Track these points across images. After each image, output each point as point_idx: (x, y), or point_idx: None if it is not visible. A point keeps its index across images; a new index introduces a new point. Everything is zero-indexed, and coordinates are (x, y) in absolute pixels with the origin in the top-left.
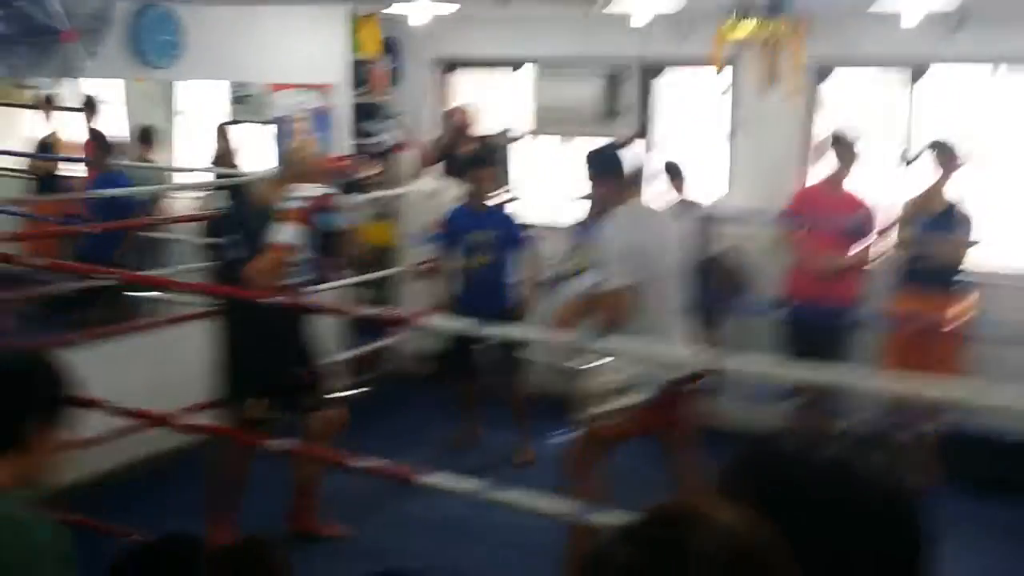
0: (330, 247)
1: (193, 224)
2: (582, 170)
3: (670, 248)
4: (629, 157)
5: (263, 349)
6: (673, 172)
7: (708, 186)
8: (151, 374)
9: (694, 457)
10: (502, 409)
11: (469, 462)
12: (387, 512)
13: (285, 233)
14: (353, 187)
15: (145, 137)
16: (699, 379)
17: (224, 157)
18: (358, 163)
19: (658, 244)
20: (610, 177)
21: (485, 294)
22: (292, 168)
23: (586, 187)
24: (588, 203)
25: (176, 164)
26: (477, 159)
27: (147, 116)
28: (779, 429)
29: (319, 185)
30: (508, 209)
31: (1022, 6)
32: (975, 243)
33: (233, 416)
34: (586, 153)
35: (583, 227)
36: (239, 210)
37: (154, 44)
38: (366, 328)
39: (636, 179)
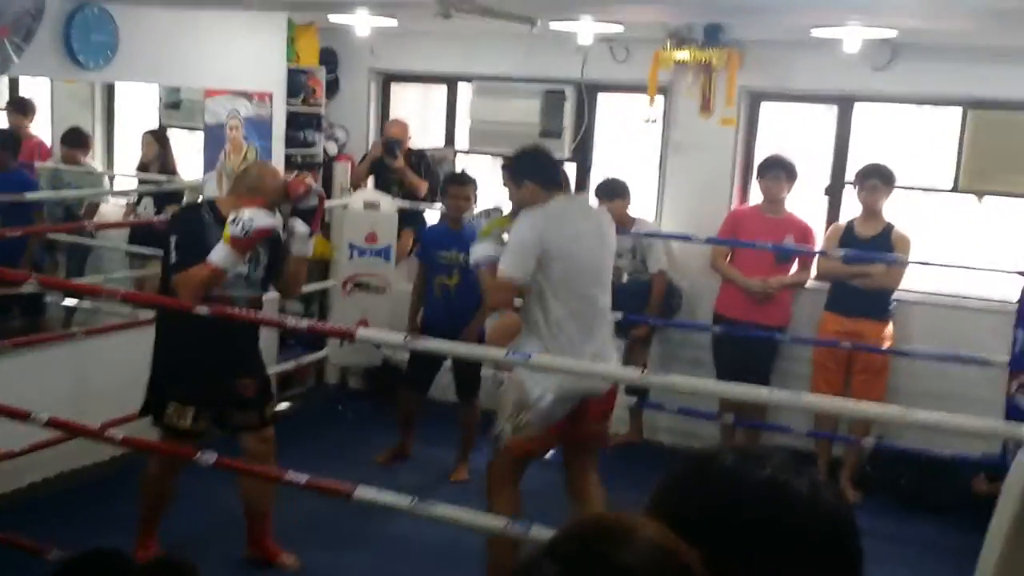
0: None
1: (124, 232)
2: (505, 173)
3: (588, 253)
4: (546, 158)
5: (192, 355)
6: (615, 190)
7: (641, 208)
8: (76, 384)
9: (596, 474)
10: (441, 426)
11: (406, 479)
12: (323, 531)
13: (220, 255)
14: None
15: (75, 140)
16: (614, 395)
17: (153, 163)
18: (310, 187)
19: (569, 246)
20: (531, 179)
21: (453, 314)
22: (244, 185)
23: (507, 190)
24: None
25: (106, 169)
26: (455, 177)
27: (75, 119)
28: (714, 447)
29: (269, 209)
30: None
31: (947, 51)
32: (908, 264)
33: (157, 424)
34: (505, 158)
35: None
36: (194, 217)
37: (88, 44)
38: (295, 342)
39: (556, 181)
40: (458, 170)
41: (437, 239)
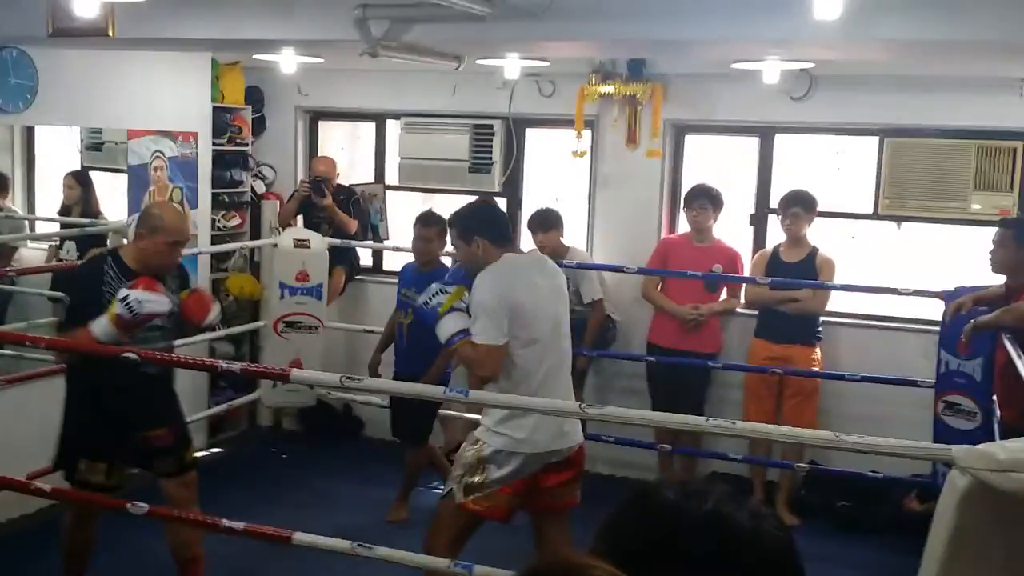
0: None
1: (45, 277)
2: (452, 231)
3: (547, 305)
4: (496, 215)
5: (100, 410)
6: (549, 220)
7: (572, 241)
8: (3, 435)
9: (566, 532)
10: (380, 465)
11: (344, 520)
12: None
13: (101, 329)
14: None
15: None
16: (583, 455)
17: (76, 206)
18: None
19: (528, 301)
20: (481, 236)
21: (403, 353)
22: (146, 226)
23: (456, 247)
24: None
25: (28, 212)
26: (419, 217)
27: None
28: (654, 481)
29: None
30: (454, 269)
31: (863, 81)
32: (834, 288)
33: (69, 480)
34: (451, 215)
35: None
36: (92, 274)
37: (6, 87)
38: (226, 384)
39: (506, 237)
40: (425, 209)
41: (405, 277)
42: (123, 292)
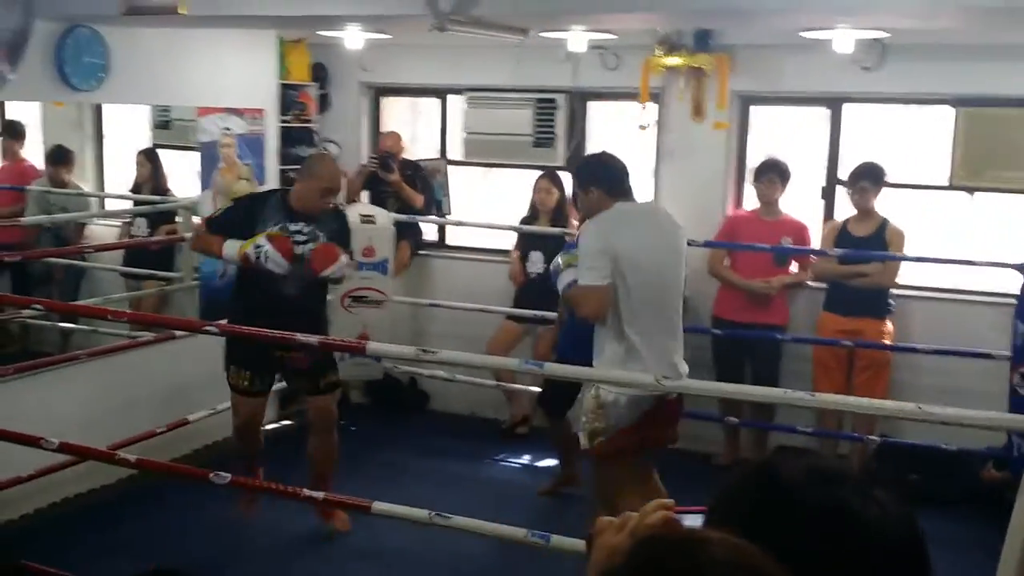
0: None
1: (117, 253)
2: (573, 180)
3: (656, 256)
4: (612, 165)
5: (249, 323)
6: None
7: None
8: (81, 408)
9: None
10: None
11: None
12: (326, 546)
13: (229, 251)
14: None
15: (59, 157)
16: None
17: (146, 183)
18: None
19: (635, 250)
20: (596, 186)
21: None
22: (305, 170)
23: (575, 197)
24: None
25: (98, 189)
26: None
27: (66, 141)
28: (777, 457)
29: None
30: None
31: (937, 50)
32: (905, 260)
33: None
34: (574, 165)
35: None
36: (262, 196)
37: (79, 66)
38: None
39: (622, 188)
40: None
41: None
42: (263, 241)
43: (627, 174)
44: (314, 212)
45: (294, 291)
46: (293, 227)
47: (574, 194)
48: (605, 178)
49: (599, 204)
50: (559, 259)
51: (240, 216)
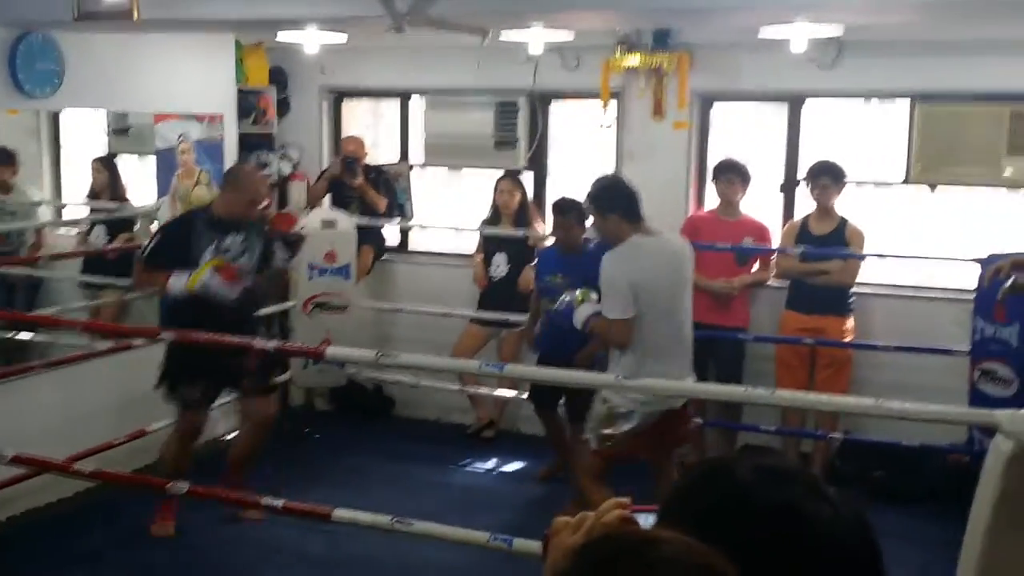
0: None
1: (75, 262)
2: (590, 204)
3: (666, 283)
4: (629, 192)
5: (196, 345)
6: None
7: None
8: (37, 419)
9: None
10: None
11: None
12: (287, 554)
13: (176, 287)
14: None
15: (1, 159)
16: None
17: (104, 190)
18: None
19: (649, 280)
20: (615, 212)
21: (556, 339)
22: (228, 183)
23: (592, 220)
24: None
25: (55, 198)
26: (562, 206)
27: (23, 149)
28: (728, 457)
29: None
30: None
31: (893, 46)
32: (864, 258)
33: (170, 398)
34: (591, 190)
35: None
36: (187, 219)
37: (32, 73)
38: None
39: (638, 214)
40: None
41: (547, 263)
42: (207, 276)
43: (638, 201)
44: (242, 221)
45: (232, 302)
46: (227, 242)
47: (593, 216)
48: (623, 204)
49: (618, 229)
50: (570, 296)
51: (173, 243)
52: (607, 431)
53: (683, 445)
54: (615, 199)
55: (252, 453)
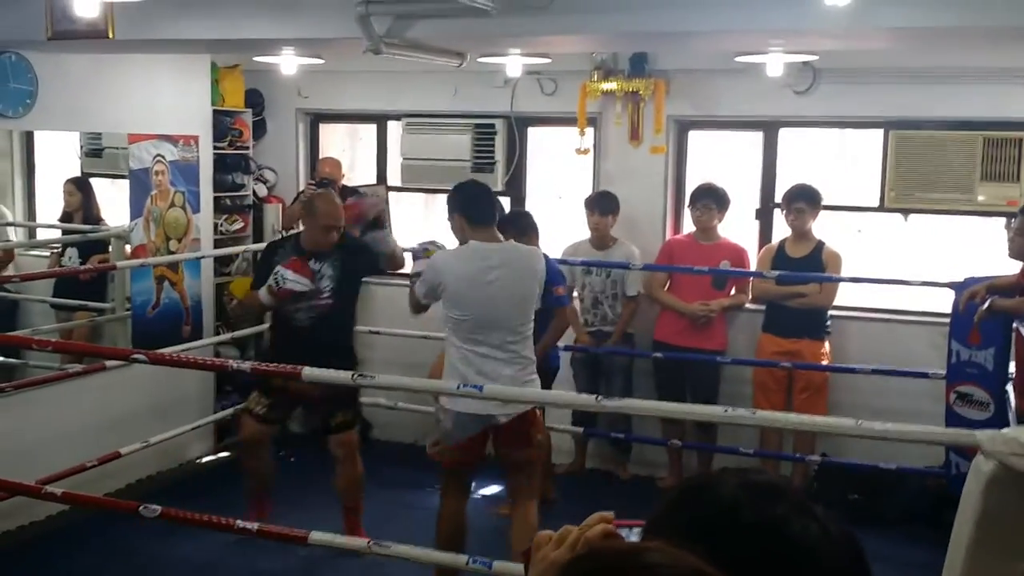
0: None
1: (47, 284)
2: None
3: (496, 294)
4: (476, 195)
5: (268, 357)
6: (604, 204)
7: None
8: (6, 442)
9: (528, 500)
10: (388, 466)
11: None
12: None
13: (263, 296)
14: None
15: None
16: (524, 424)
17: (77, 212)
18: (361, 204)
19: (469, 288)
20: (458, 213)
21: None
22: (304, 211)
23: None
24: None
25: (28, 219)
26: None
27: None
28: (716, 472)
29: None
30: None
31: (867, 73)
32: (840, 282)
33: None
34: (453, 188)
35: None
36: (273, 246)
37: (5, 92)
38: (231, 388)
39: (483, 218)
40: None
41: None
42: (277, 269)
43: (490, 206)
44: (324, 249)
45: (306, 322)
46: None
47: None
48: (464, 207)
49: (460, 230)
50: (428, 245)
51: (264, 267)
52: (435, 441)
53: (526, 459)
54: (458, 201)
55: (350, 488)
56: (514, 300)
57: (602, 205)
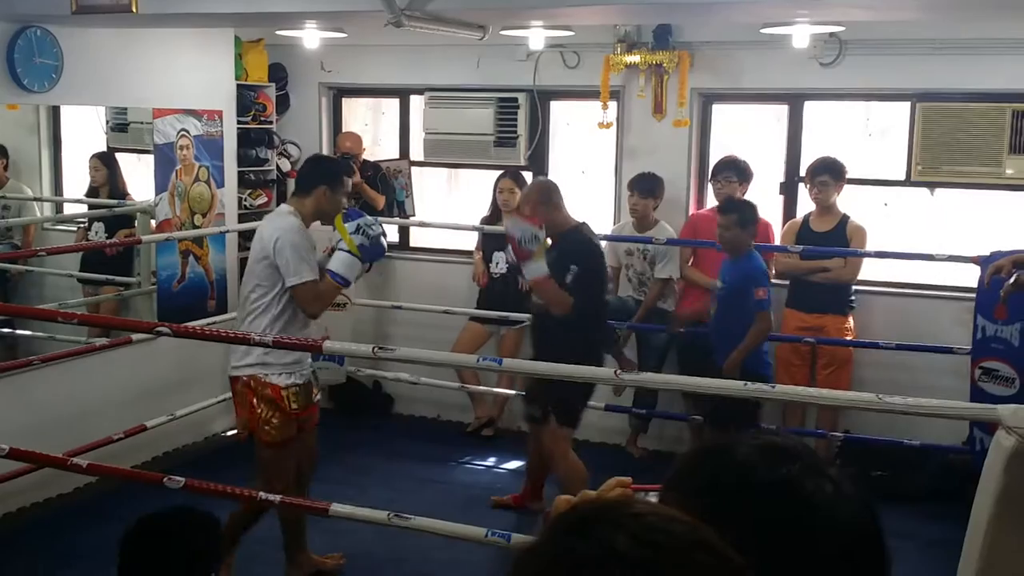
0: None
1: (74, 259)
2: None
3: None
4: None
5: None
6: (646, 185)
7: (599, 212)
8: (34, 415)
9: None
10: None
11: (374, 495)
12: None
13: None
14: None
15: None
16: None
17: (103, 187)
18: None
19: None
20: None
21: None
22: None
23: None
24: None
25: (55, 194)
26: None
27: (22, 146)
28: (731, 436)
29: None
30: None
31: (894, 45)
32: (865, 256)
33: None
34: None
35: None
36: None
37: (31, 67)
38: None
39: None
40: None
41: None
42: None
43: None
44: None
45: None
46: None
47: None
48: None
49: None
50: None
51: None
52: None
53: (312, 434)
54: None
55: (535, 472)
56: (249, 275)
57: (641, 186)
